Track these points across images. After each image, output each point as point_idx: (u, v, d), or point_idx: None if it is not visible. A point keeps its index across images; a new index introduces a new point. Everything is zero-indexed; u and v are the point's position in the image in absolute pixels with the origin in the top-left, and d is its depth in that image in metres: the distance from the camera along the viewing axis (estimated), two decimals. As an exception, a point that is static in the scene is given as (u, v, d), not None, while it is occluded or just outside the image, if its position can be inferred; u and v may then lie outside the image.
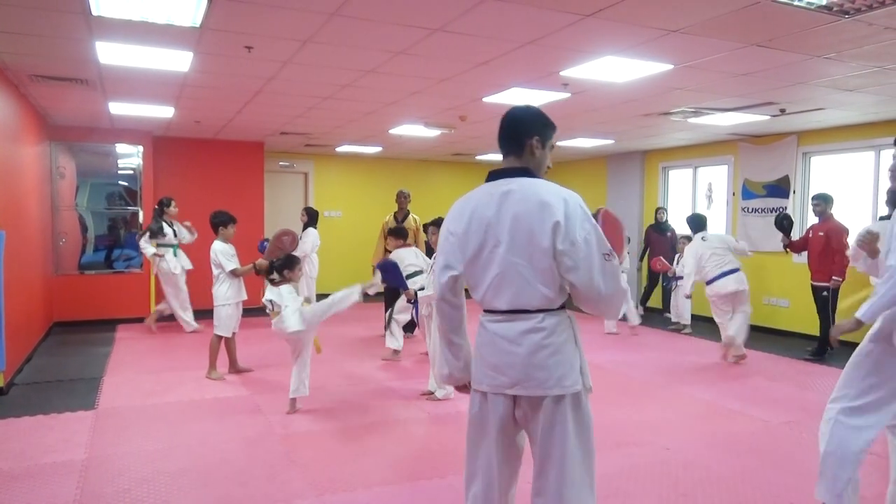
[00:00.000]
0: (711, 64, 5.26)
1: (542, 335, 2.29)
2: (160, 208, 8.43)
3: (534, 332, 2.30)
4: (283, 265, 5.21)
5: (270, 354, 7.44)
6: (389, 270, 5.82)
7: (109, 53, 5.17)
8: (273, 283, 5.16)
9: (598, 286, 2.26)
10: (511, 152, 2.43)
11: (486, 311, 2.42)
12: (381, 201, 12.68)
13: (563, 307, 2.36)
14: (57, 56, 5.35)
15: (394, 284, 6.07)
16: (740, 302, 7.10)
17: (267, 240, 9.00)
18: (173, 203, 8.51)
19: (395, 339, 7.11)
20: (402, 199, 8.68)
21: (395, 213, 8.66)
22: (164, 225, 8.38)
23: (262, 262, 6.35)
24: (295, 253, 8.01)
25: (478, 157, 12.57)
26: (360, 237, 12.53)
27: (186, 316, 8.54)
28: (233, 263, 6.28)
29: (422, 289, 5.75)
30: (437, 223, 5.64)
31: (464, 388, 2.58)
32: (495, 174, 2.42)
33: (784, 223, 7.58)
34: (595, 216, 2.52)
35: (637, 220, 11.26)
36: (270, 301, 5.11)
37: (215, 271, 6.28)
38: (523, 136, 2.40)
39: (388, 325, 7.15)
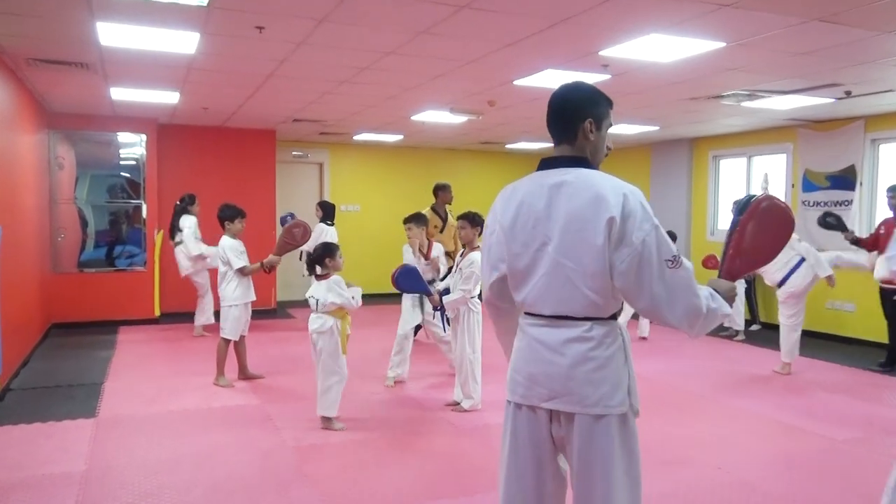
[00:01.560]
0: (768, 41, 5.18)
1: (588, 346, 2.27)
2: (184, 205, 8.57)
3: (579, 341, 2.27)
4: (322, 254, 5.16)
5: (283, 360, 7.50)
6: (407, 277, 5.79)
7: (111, 35, 5.24)
8: (318, 278, 5.16)
9: (653, 296, 2.20)
10: (562, 139, 2.38)
11: (527, 313, 2.39)
12: (403, 194, 12.72)
13: (614, 317, 2.32)
14: (56, 38, 5.43)
15: (414, 292, 6.06)
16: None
17: (291, 215, 9.11)
18: (196, 201, 8.66)
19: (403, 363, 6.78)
20: (442, 193, 8.39)
21: (432, 206, 8.48)
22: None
23: (271, 258, 6.41)
24: (308, 247, 8.13)
25: (508, 146, 12.54)
26: (380, 235, 12.59)
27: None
28: (242, 261, 6.34)
29: (447, 291, 5.74)
30: (469, 217, 5.61)
31: None
32: (547, 163, 2.38)
33: (828, 221, 7.37)
34: (747, 206, 2.47)
35: (685, 215, 11.16)
36: (315, 299, 5.08)
37: (222, 269, 6.34)
38: (574, 120, 2.34)
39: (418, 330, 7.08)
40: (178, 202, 8.74)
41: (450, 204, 8.64)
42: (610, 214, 2.18)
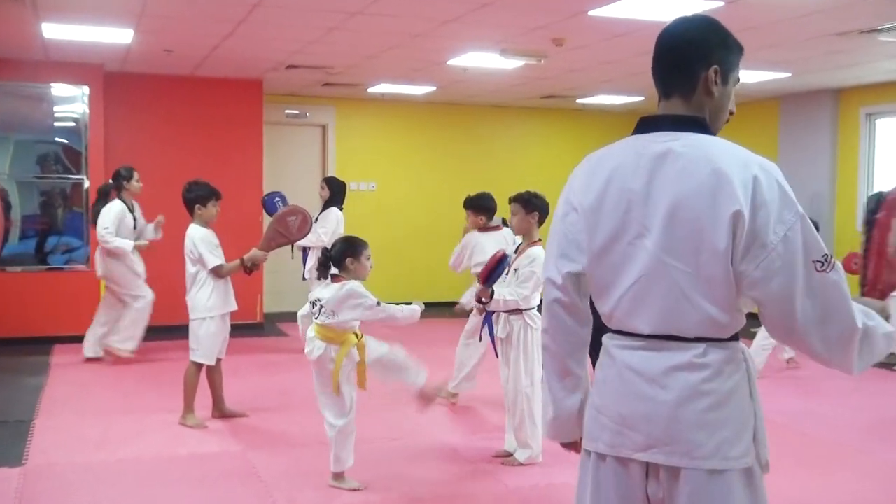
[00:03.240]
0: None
1: (701, 376, 2.25)
2: (117, 183, 8.58)
3: (689, 369, 2.25)
4: (343, 251, 5.13)
5: (271, 392, 7.56)
6: (498, 271, 5.60)
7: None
8: (335, 278, 5.13)
9: (799, 314, 2.19)
10: (674, 91, 2.37)
11: (614, 331, 2.39)
12: (434, 167, 12.73)
13: (735, 337, 2.30)
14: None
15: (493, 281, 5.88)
16: None
17: (277, 195, 9.08)
18: (136, 176, 8.65)
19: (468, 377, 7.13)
20: None
21: None
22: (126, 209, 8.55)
23: (255, 254, 6.44)
24: (307, 242, 8.14)
25: (580, 101, 12.47)
26: (404, 223, 12.61)
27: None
28: (218, 258, 6.41)
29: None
30: (523, 200, 5.58)
31: (573, 445, 2.56)
32: (648, 124, 2.38)
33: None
34: (880, 203, 2.43)
35: (826, 196, 11.02)
36: (319, 304, 5.05)
37: (191, 269, 6.40)
38: (695, 66, 2.33)
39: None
40: (108, 181, 8.73)
41: None
42: (735, 208, 2.16)
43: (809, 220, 2.21)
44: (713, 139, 2.29)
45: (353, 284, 5.05)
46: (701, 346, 2.25)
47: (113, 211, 8.36)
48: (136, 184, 8.60)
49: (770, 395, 7.44)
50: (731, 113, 2.41)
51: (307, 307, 6.19)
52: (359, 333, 5.15)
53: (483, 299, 5.50)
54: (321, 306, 5.05)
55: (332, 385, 5.06)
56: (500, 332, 5.71)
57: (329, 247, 5.37)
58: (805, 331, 2.21)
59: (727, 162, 2.21)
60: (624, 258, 2.32)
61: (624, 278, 2.32)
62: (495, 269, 5.38)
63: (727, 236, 2.18)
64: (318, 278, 5.38)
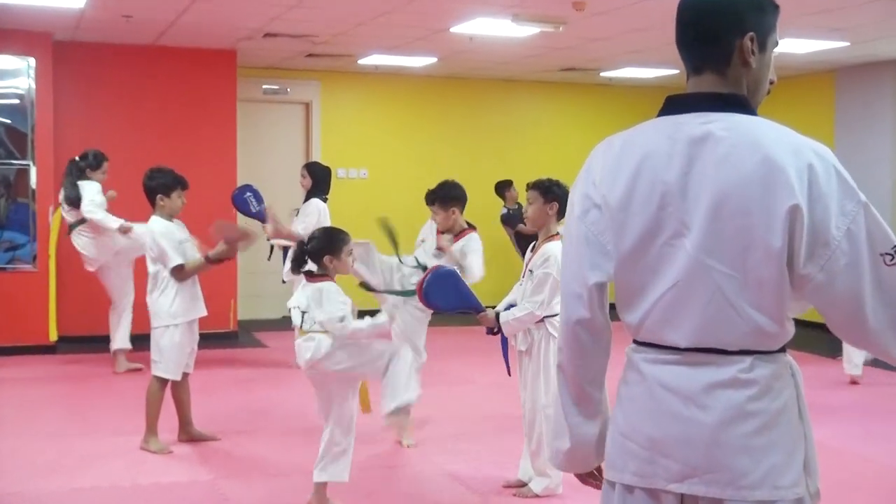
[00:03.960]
0: None
1: (747, 394, 2.23)
2: (82, 164, 8.70)
3: (734, 386, 2.24)
4: (322, 246, 5.19)
5: (246, 412, 7.56)
6: (444, 287, 5.68)
7: None
8: (310, 278, 5.20)
9: (867, 316, 2.19)
10: (705, 64, 2.36)
11: (643, 343, 2.38)
12: (436, 152, 12.71)
13: (783, 349, 2.29)
14: None
15: (452, 310, 5.99)
16: None
17: (247, 189, 9.07)
18: (105, 165, 8.79)
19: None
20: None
21: None
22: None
23: (220, 249, 6.43)
24: (284, 243, 8.12)
25: (604, 75, 12.47)
26: (400, 217, 12.54)
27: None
28: (180, 255, 6.38)
29: (508, 307, 5.70)
30: (542, 187, 5.53)
31: (591, 476, 2.55)
32: (679, 103, 2.37)
33: None
34: None
35: (890, 174, 11.05)
36: (300, 311, 5.11)
37: (152, 268, 6.41)
38: (727, 34, 2.32)
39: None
40: (73, 159, 8.83)
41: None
42: (792, 202, 2.14)
43: (873, 209, 2.20)
44: (758, 121, 2.27)
45: (328, 287, 5.11)
46: (747, 360, 2.24)
47: (97, 187, 8.64)
48: (101, 175, 8.75)
49: (826, 417, 7.43)
50: (772, 82, 2.40)
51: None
52: None
53: (490, 327, 5.57)
54: (303, 312, 5.09)
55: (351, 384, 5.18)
56: (519, 344, 5.68)
57: (306, 239, 5.38)
58: (879, 332, 2.21)
59: (778, 148, 2.19)
60: (658, 261, 2.30)
61: (657, 284, 2.31)
62: (443, 291, 5.51)
63: (783, 235, 2.16)
64: (290, 271, 5.41)
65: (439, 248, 6.62)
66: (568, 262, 2.46)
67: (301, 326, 5.12)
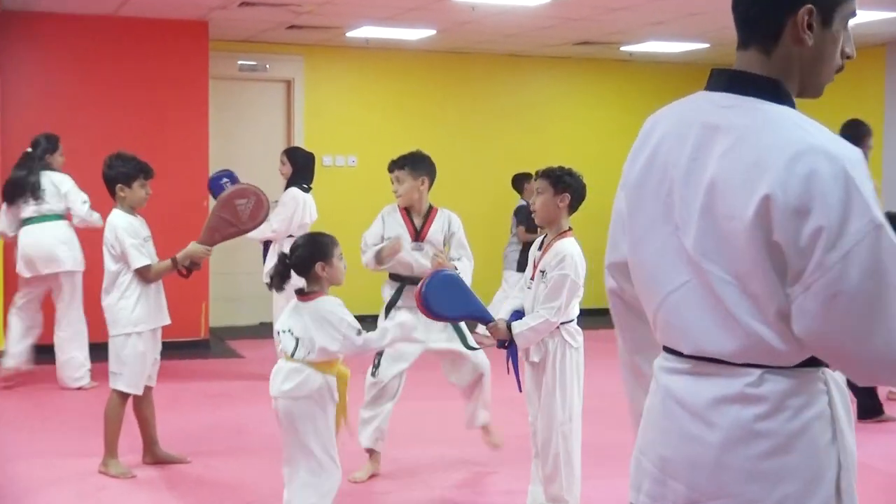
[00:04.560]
0: None
1: (754, 412, 2.23)
2: (39, 152, 8.74)
3: (740, 402, 2.24)
4: (308, 255, 5.12)
5: (218, 431, 7.57)
6: (447, 291, 5.67)
7: None
8: (301, 297, 5.15)
9: (868, 355, 2.15)
10: (751, 41, 2.34)
11: (664, 346, 2.42)
12: (434, 136, 12.67)
13: (812, 361, 2.25)
14: None
15: (458, 319, 5.97)
16: None
17: (225, 175, 9.09)
18: (60, 148, 8.83)
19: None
20: None
21: None
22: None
23: (194, 249, 6.42)
24: (256, 234, 8.07)
25: (625, 49, 12.47)
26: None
27: None
28: (146, 256, 6.38)
29: (516, 314, 5.68)
30: (553, 176, 5.52)
31: None
32: (715, 79, 2.38)
33: None
34: None
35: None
36: (294, 336, 5.03)
37: (112, 267, 6.39)
38: (776, 10, 2.29)
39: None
40: (28, 150, 8.85)
41: None
42: (762, 198, 2.10)
43: (891, 231, 2.10)
44: (778, 114, 2.24)
45: (330, 305, 5.04)
46: (755, 373, 2.23)
47: (71, 182, 8.72)
48: (59, 157, 8.79)
49: (865, 434, 7.42)
50: (849, 57, 2.37)
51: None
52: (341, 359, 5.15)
53: (498, 340, 5.54)
54: (297, 339, 5.02)
55: (329, 428, 5.07)
56: (532, 355, 5.64)
57: (289, 250, 5.31)
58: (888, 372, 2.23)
59: (779, 150, 2.15)
60: (663, 253, 2.34)
61: (663, 280, 2.35)
62: (446, 297, 5.47)
63: (761, 245, 2.13)
64: (271, 288, 5.33)
65: (440, 265, 6.49)
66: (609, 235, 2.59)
67: (292, 354, 5.08)
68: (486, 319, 5.63)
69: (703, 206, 2.23)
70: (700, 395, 2.29)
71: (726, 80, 2.34)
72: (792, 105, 2.29)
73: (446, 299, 5.58)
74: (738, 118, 2.24)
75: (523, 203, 12.30)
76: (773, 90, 2.29)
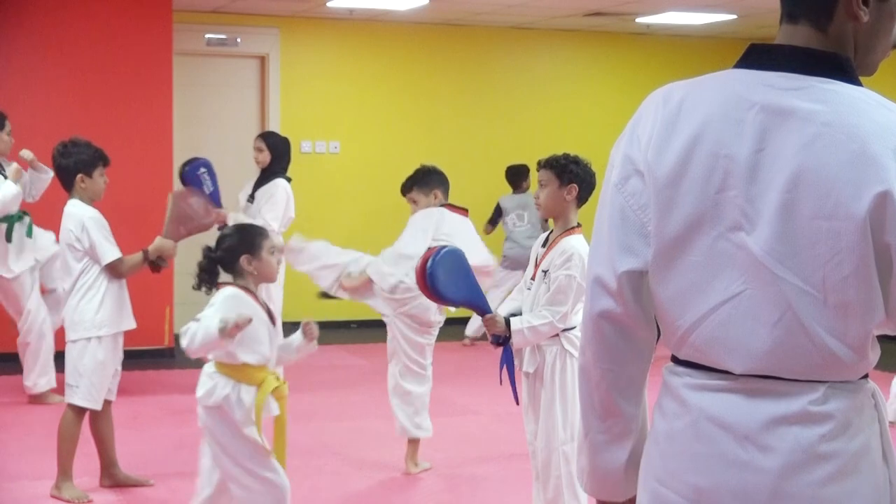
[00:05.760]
0: None
1: (820, 431, 2.23)
2: None
3: (803, 422, 2.24)
4: (235, 246, 5.17)
5: (184, 449, 7.52)
6: (452, 270, 5.70)
7: None
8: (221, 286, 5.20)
9: None
10: (801, 14, 2.33)
11: (685, 363, 2.40)
12: (425, 119, 12.73)
13: (865, 374, 2.29)
14: None
15: (460, 302, 6.00)
16: None
17: (200, 164, 9.11)
18: (8, 127, 8.82)
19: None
20: None
21: None
22: None
23: (161, 243, 6.45)
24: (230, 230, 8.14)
25: (641, 20, 12.53)
26: (382, 198, 12.58)
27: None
28: (116, 248, 6.41)
29: (515, 315, 5.70)
30: (558, 166, 5.56)
31: None
32: (762, 55, 2.36)
33: None
34: None
35: None
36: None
37: (74, 265, 6.40)
38: None
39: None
40: None
41: None
42: (879, 190, 2.11)
43: None
44: (861, 96, 2.23)
45: (232, 291, 5.10)
46: (819, 389, 2.24)
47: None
48: (6, 138, 8.78)
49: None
50: None
51: None
52: (278, 374, 5.18)
53: (496, 334, 5.54)
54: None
55: (247, 443, 5.07)
56: (526, 364, 5.68)
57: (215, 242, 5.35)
58: None
59: (878, 133, 2.16)
60: (710, 258, 2.29)
61: (709, 290, 2.30)
62: (451, 277, 5.47)
63: (870, 247, 2.14)
64: (198, 288, 5.33)
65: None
66: (597, 240, 2.47)
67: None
68: (484, 310, 5.65)
69: (782, 205, 2.19)
70: (751, 417, 2.27)
71: (784, 56, 2.30)
72: (860, 84, 2.28)
73: (452, 278, 5.58)
74: (813, 103, 2.21)
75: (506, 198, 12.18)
76: (846, 69, 2.28)
